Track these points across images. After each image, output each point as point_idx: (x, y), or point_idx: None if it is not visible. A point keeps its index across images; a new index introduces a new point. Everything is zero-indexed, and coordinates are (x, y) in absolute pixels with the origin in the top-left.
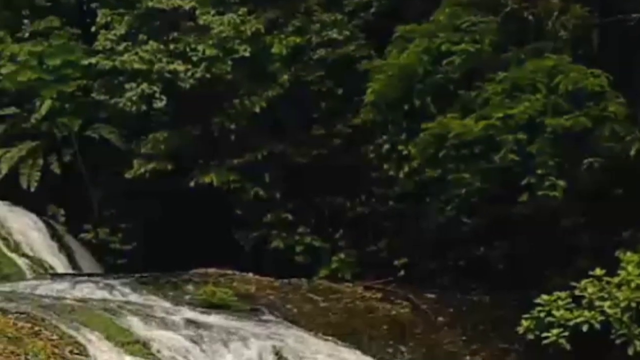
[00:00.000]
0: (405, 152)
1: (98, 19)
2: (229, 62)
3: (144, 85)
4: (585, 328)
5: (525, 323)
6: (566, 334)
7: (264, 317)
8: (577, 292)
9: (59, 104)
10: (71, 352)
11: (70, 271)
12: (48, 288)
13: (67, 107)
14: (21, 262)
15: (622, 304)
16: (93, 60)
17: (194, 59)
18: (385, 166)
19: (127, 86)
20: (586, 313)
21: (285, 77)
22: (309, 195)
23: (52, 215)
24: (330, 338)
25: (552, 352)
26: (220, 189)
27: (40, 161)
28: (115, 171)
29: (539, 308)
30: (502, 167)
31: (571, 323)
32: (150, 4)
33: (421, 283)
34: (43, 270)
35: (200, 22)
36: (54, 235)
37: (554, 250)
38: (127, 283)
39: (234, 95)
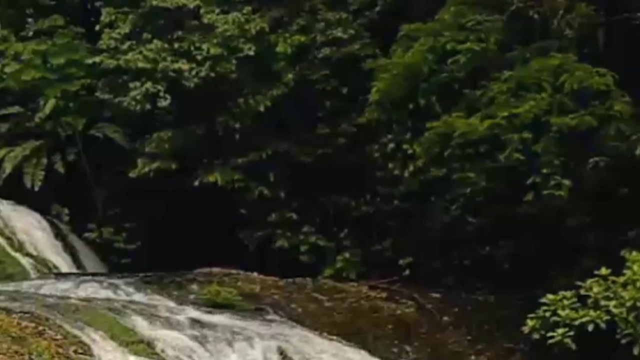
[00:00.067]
0: (410, 151)
1: (102, 18)
2: (234, 61)
3: (148, 84)
4: (590, 328)
5: (530, 323)
6: (571, 333)
7: (269, 317)
8: (582, 292)
9: (63, 103)
10: (75, 351)
11: (74, 271)
12: (52, 287)
13: (71, 106)
14: (25, 261)
15: (628, 304)
16: (97, 59)
17: (199, 57)
18: (390, 165)
19: (131, 85)
20: (592, 313)
21: (290, 76)
22: (313, 194)
23: (56, 215)
24: (335, 338)
25: (557, 351)
26: (225, 188)
27: (44, 160)
28: (120, 170)
29: (545, 307)
30: (507, 166)
31: (576, 323)
32: (154, 2)
33: (426, 282)
34: (47, 270)
35: (205, 20)
36: (58, 235)
37: (559, 249)
38: (132, 282)
39: (238, 94)
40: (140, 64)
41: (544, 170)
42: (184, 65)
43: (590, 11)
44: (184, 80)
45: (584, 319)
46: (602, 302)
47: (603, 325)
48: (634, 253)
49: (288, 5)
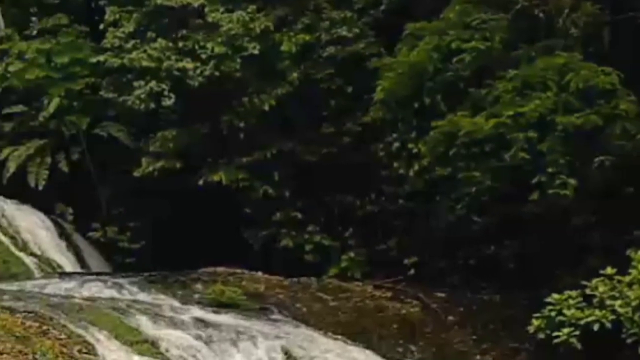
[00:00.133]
0: (415, 151)
1: (106, 17)
2: (238, 60)
3: (153, 83)
4: (596, 327)
5: (536, 322)
6: (577, 333)
7: (273, 316)
8: (588, 291)
9: (67, 102)
10: (79, 351)
11: (79, 270)
12: (56, 287)
13: (75, 105)
14: (29, 261)
15: (633, 303)
16: (101, 58)
17: (203, 56)
18: (395, 164)
19: (135, 84)
20: (597, 312)
21: (295, 75)
22: (318, 193)
23: (60, 214)
24: (339, 337)
25: (562, 351)
26: (229, 187)
27: (48, 159)
28: (124, 169)
29: (550, 307)
30: (512, 165)
31: (582, 322)
32: (158, 1)
33: (431, 282)
34: (51, 269)
35: (209, 19)
36: (62, 234)
37: (564, 249)
38: (136, 282)
39: (243, 93)
40: (145, 63)
41: (550, 170)
42: (188, 64)
43: (596, 10)
44: (189, 79)
45: (589, 319)
46: (608, 302)
47: (609, 325)
48: None
49: (293, 3)
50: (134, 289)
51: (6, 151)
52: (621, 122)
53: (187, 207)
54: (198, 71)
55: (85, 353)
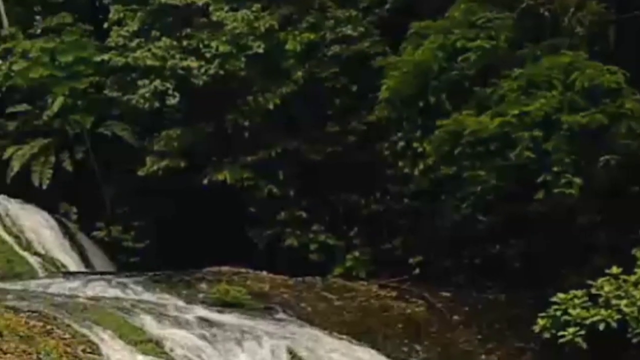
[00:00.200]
0: (420, 150)
1: (111, 15)
2: (243, 59)
3: (157, 82)
4: (601, 327)
5: (541, 322)
6: (582, 332)
7: (278, 316)
8: (593, 291)
9: (71, 100)
10: (84, 350)
11: (83, 269)
12: (60, 286)
13: (79, 104)
14: (33, 260)
15: (639, 303)
16: (105, 56)
17: (208, 55)
18: (400, 163)
19: (139, 83)
20: (603, 312)
21: (300, 73)
22: (323, 192)
23: (64, 213)
24: (344, 337)
25: (568, 351)
26: (234, 186)
27: (52, 158)
28: (128, 168)
29: (555, 306)
30: (517, 164)
31: (588, 322)
32: (163, 0)
33: (436, 281)
34: (55, 269)
35: (214, 18)
36: (66, 233)
37: (570, 248)
38: (140, 281)
39: (247, 92)
40: (149, 62)
41: (555, 169)
42: (192, 62)
43: (601, 9)
44: (193, 78)
45: (595, 318)
46: (613, 301)
47: (614, 325)
48: None
49: (297, 2)
50: (138, 288)
51: (10, 150)
52: (627, 121)
53: (192, 206)
54: (202, 70)
55: (90, 352)
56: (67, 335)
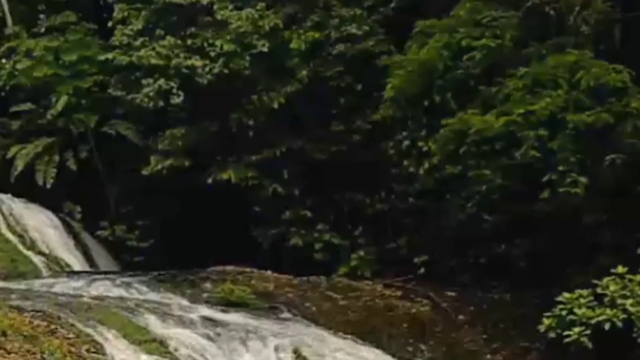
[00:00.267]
0: (425, 149)
1: (115, 14)
2: (247, 58)
3: (161, 81)
4: (607, 326)
5: (546, 321)
6: (588, 332)
7: (283, 316)
8: (599, 290)
9: (75, 99)
10: (88, 350)
11: (87, 269)
12: (64, 286)
13: (83, 103)
14: (37, 259)
15: None
16: (110, 55)
17: (212, 54)
18: (405, 162)
19: (144, 82)
20: (608, 311)
21: (304, 72)
22: (328, 191)
23: (69, 212)
24: (349, 336)
25: (573, 350)
26: (238, 185)
27: (56, 157)
28: (132, 168)
29: (561, 306)
30: (523, 163)
31: (593, 321)
32: None
33: (441, 281)
34: (59, 268)
35: (218, 17)
36: (70, 233)
37: (575, 247)
38: (144, 281)
39: (252, 91)
40: (153, 61)
41: (560, 168)
42: (197, 61)
43: (607, 7)
44: (197, 76)
45: (600, 318)
46: (619, 301)
47: (620, 324)
48: None
49: (302, 1)
50: (143, 287)
51: (14, 149)
52: (632, 120)
53: (196, 205)
54: (207, 69)
55: (94, 352)
56: (71, 335)
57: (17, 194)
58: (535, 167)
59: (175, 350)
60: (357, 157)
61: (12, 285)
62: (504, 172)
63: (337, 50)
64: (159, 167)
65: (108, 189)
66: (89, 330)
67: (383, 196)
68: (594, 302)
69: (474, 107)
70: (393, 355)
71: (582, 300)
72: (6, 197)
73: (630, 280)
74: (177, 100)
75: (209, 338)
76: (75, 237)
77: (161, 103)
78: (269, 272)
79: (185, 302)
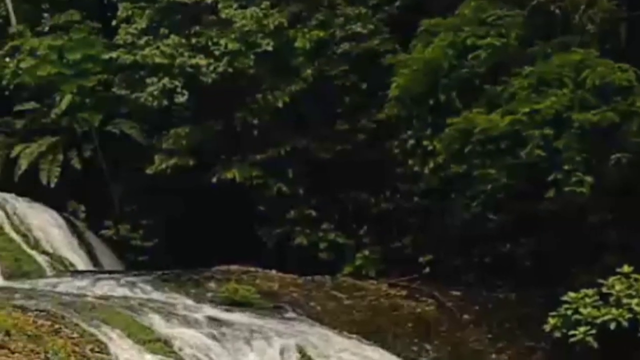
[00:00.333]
0: (430, 148)
1: (119, 13)
2: (252, 57)
3: (166, 80)
4: (612, 326)
5: (552, 321)
6: (593, 332)
7: (287, 315)
8: (604, 290)
9: (79, 98)
10: (92, 350)
11: (91, 268)
12: (68, 285)
13: (87, 102)
14: (41, 259)
15: None
16: (114, 54)
17: (216, 53)
18: (410, 162)
19: (148, 81)
20: (614, 311)
21: (309, 71)
22: (332, 191)
23: (73, 212)
24: (354, 336)
25: (579, 350)
26: (243, 184)
27: (61, 156)
28: (136, 167)
29: (566, 305)
30: (528, 162)
31: (598, 321)
32: None
33: (446, 280)
34: (63, 268)
35: (223, 15)
36: (74, 232)
37: (581, 247)
38: (149, 280)
39: (256, 90)
40: (158, 60)
41: (566, 167)
42: (201, 60)
43: (612, 6)
44: (202, 75)
45: (606, 317)
46: (625, 300)
47: (625, 324)
48: None
49: (307, 0)
50: (147, 287)
51: (18, 148)
52: (638, 119)
53: (201, 204)
54: (211, 68)
55: (98, 352)
56: (75, 335)
57: (21, 193)
58: (541, 166)
59: (180, 349)
60: (362, 156)
61: (16, 284)
62: (509, 171)
63: (342, 49)
64: (163, 166)
65: (112, 188)
66: (93, 330)
67: (388, 195)
68: (599, 301)
69: (479, 106)
70: (398, 355)
71: (587, 300)
72: (10, 196)
73: (636, 280)
74: (181, 99)
75: (213, 338)
76: (79, 236)
77: (165, 102)
78: (273, 272)
79: (189, 302)
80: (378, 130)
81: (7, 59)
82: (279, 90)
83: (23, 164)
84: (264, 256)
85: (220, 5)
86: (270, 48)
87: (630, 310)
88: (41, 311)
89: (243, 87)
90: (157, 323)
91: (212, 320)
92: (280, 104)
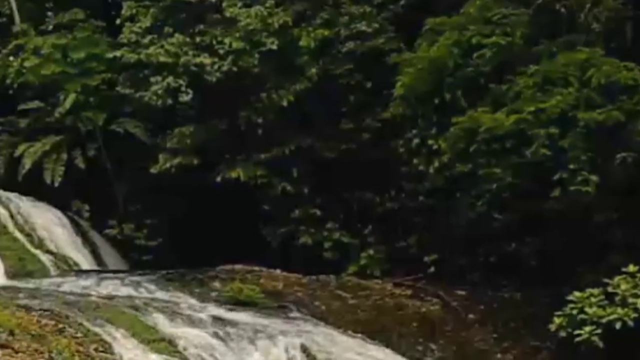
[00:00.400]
0: (435, 147)
1: (123, 12)
2: (256, 55)
3: (170, 79)
4: (618, 325)
5: (557, 320)
6: (599, 331)
7: (292, 314)
8: (610, 289)
9: (83, 97)
10: (96, 349)
11: (95, 267)
12: (72, 285)
13: (91, 101)
14: (45, 258)
15: None
16: (118, 53)
17: (221, 52)
18: (415, 161)
19: (152, 80)
20: (619, 310)
21: (314, 70)
22: (337, 190)
23: (77, 211)
24: (359, 335)
25: (584, 349)
26: (247, 184)
27: (65, 156)
28: (141, 166)
29: (571, 305)
30: (533, 161)
31: (604, 320)
32: None
33: (451, 279)
34: (67, 267)
35: (227, 14)
36: (79, 231)
37: (586, 246)
38: (153, 280)
39: (261, 89)
40: (162, 58)
41: (571, 166)
42: (205, 59)
43: (618, 5)
44: (206, 74)
45: (611, 317)
46: (630, 300)
47: (631, 323)
48: None
49: None
50: (151, 286)
51: (22, 147)
52: None
53: (205, 204)
54: (216, 66)
55: (102, 351)
56: (79, 334)
57: (25, 193)
58: (546, 165)
59: (184, 349)
60: (366, 155)
61: (20, 284)
62: (515, 171)
63: (346, 47)
64: (168, 165)
65: (116, 188)
66: (97, 329)
67: (393, 195)
68: (604, 301)
69: (484, 105)
70: (403, 355)
71: (592, 299)
72: (14, 196)
73: None
74: (185, 98)
75: (217, 337)
76: (84, 235)
77: (170, 101)
78: (278, 271)
79: (194, 301)
80: (383, 129)
81: (11, 58)
82: (283, 89)
83: (27, 163)
84: (269, 255)
85: (224, 4)
86: (274, 47)
87: (636, 309)
88: (45, 310)
89: (247, 86)
90: (162, 322)
91: (217, 319)
92: (284, 103)
